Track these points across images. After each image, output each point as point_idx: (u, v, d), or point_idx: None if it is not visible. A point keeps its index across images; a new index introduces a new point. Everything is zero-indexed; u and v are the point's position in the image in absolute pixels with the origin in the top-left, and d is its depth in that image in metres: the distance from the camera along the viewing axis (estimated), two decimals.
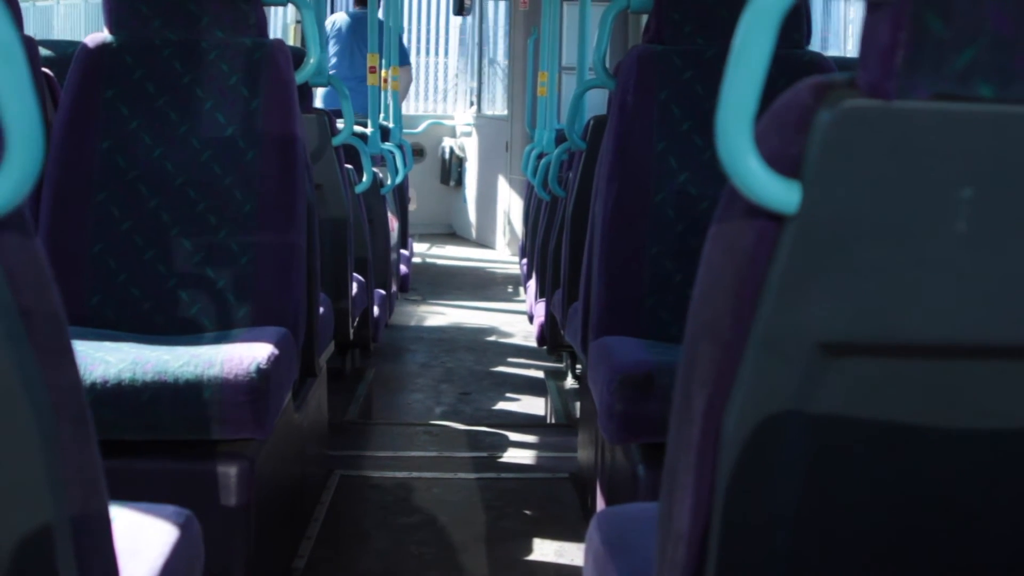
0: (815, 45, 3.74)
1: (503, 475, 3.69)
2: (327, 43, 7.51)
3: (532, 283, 5.64)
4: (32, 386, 0.94)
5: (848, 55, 7.48)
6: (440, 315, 6.98)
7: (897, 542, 1.08)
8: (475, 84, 11.02)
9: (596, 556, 1.52)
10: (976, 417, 1.03)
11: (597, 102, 5.21)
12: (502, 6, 10.57)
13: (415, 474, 3.65)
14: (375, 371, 5.31)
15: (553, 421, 4.57)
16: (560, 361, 5.46)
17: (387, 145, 5.70)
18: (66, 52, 3.43)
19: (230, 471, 2.33)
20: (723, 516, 1.03)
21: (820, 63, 2.86)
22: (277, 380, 2.37)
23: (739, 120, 0.95)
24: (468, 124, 10.89)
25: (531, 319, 5.56)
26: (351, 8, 8.45)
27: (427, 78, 12.49)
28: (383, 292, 5.23)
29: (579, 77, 4.94)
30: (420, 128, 10.55)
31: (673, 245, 2.81)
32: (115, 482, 1.37)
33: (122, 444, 2.30)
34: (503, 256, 9.80)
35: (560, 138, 5.42)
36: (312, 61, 3.17)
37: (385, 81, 6.56)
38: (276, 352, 2.39)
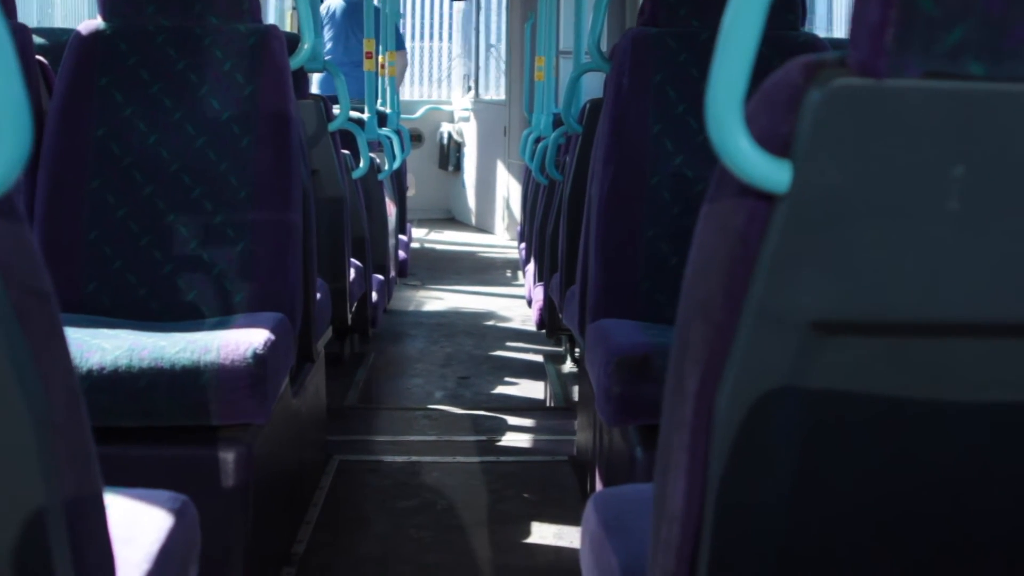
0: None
1: (502, 458, 3.69)
2: (322, 28, 7.48)
3: (531, 267, 5.64)
4: (23, 372, 0.94)
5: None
6: (439, 300, 6.98)
7: (892, 520, 1.08)
8: (473, 67, 11.01)
9: (592, 537, 1.53)
10: (969, 395, 1.03)
11: (595, 85, 5.20)
12: None
13: (414, 458, 3.65)
14: (374, 356, 5.31)
15: (552, 404, 4.58)
16: (559, 345, 5.47)
17: (384, 130, 5.69)
18: (60, 40, 3.42)
19: (228, 457, 2.33)
20: (717, 496, 1.04)
21: (815, 44, 2.85)
22: (274, 365, 2.37)
23: (729, 100, 0.94)
24: (466, 109, 10.88)
25: (530, 303, 5.56)
26: None
27: (425, 63, 12.47)
28: (381, 277, 5.23)
29: (575, 61, 4.92)
30: (418, 113, 10.53)
31: (669, 227, 2.81)
32: (112, 469, 1.38)
33: (119, 431, 2.30)
34: (502, 241, 9.80)
35: (557, 122, 5.41)
36: (307, 46, 3.17)
37: (382, 67, 6.54)
38: (273, 337, 2.39)
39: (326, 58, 3.91)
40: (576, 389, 4.20)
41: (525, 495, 3.34)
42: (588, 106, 3.67)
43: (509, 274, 8.11)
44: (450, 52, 12.31)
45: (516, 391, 4.78)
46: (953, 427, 1.04)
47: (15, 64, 0.88)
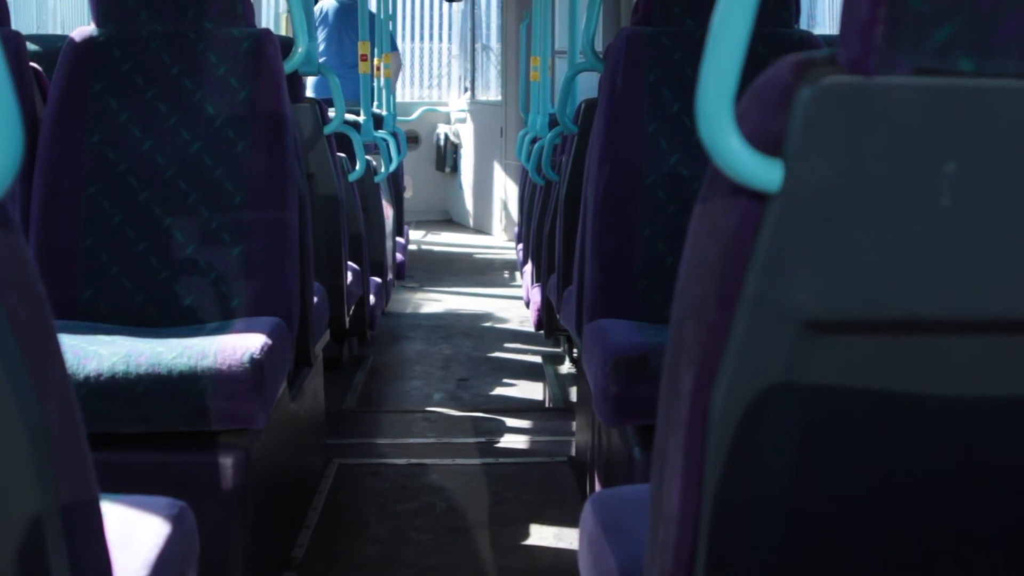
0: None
1: (502, 460, 3.69)
2: (316, 31, 7.47)
3: (528, 268, 5.64)
4: (17, 379, 0.94)
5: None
6: (437, 302, 6.98)
7: (888, 518, 1.08)
8: (469, 68, 11.01)
9: (591, 538, 1.53)
10: (964, 391, 1.03)
11: (591, 85, 5.20)
12: None
13: (413, 461, 3.65)
14: (372, 359, 5.31)
15: (551, 405, 4.58)
16: (557, 345, 5.47)
17: (380, 133, 5.69)
18: (54, 46, 3.42)
19: (226, 462, 2.33)
20: (713, 495, 1.04)
21: (809, 41, 2.85)
22: (271, 370, 2.36)
23: (719, 99, 0.94)
24: (462, 110, 10.87)
25: (527, 304, 5.56)
26: None
27: (421, 64, 12.46)
28: (379, 280, 5.22)
29: (570, 61, 4.92)
30: (414, 115, 10.53)
31: (665, 227, 2.81)
32: (110, 475, 1.38)
33: (117, 437, 2.30)
34: (500, 242, 9.79)
35: (553, 122, 5.41)
36: (301, 50, 3.16)
37: (377, 69, 6.54)
38: (270, 342, 2.39)
39: (320, 61, 3.91)
40: (574, 390, 4.20)
41: (524, 497, 3.34)
42: (583, 106, 3.67)
43: (507, 275, 8.11)
44: (447, 53, 12.31)
45: (515, 392, 4.78)
46: (948, 423, 1.04)
47: (6, 71, 0.88)
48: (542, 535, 3.06)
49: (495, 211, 10.14)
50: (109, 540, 1.18)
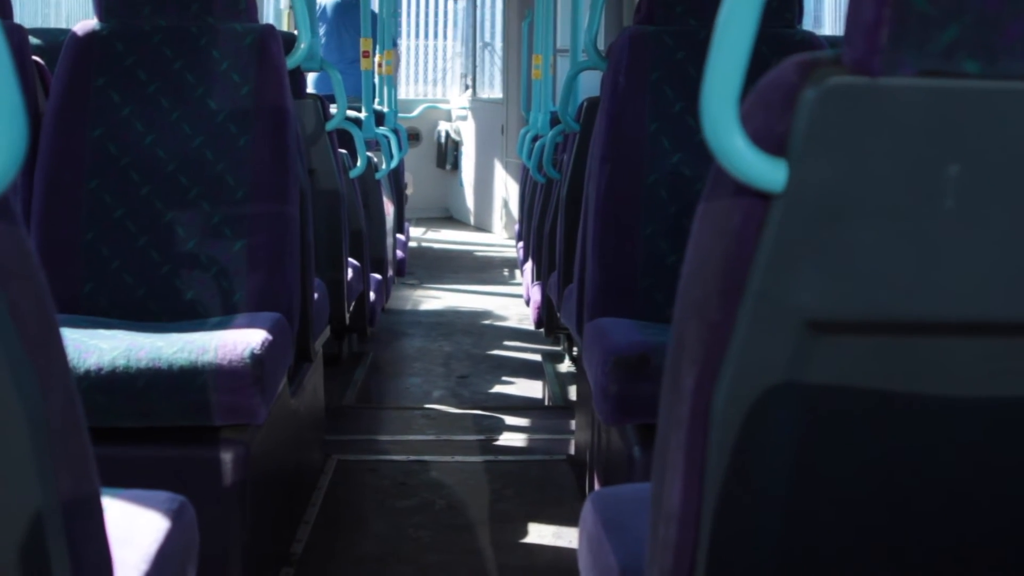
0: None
1: (501, 458, 3.69)
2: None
3: (528, 266, 5.64)
4: (19, 373, 0.94)
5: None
6: (437, 299, 6.98)
7: (888, 517, 1.08)
8: (470, 66, 11.00)
9: (591, 537, 1.53)
10: (965, 392, 1.03)
11: (593, 84, 5.20)
12: None
13: (413, 458, 3.65)
14: (372, 356, 5.31)
15: (550, 403, 4.58)
16: (557, 343, 5.47)
17: (382, 129, 5.68)
18: (57, 40, 3.41)
19: (226, 457, 2.33)
20: (714, 494, 1.04)
21: (812, 42, 2.85)
22: (272, 366, 2.37)
23: (724, 98, 0.94)
24: (464, 108, 10.87)
25: (528, 302, 5.56)
26: None
27: (423, 62, 12.46)
28: (379, 277, 5.22)
29: (572, 59, 4.92)
30: (416, 112, 10.53)
31: (666, 226, 2.81)
32: (110, 469, 1.38)
33: (117, 431, 2.30)
34: (500, 239, 9.79)
35: (555, 121, 5.40)
36: (303, 46, 3.16)
37: (379, 65, 6.54)
38: (270, 337, 2.39)
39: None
40: (574, 388, 4.20)
41: (523, 494, 3.34)
42: (585, 104, 3.67)
43: (507, 273, 8.11)
44: (452, 50, 12.30)
45: (514, 390, 4.78)
46: (949, 424, 1.04)
47: (10, 65, 0.88)
48: (541, 533, 3.06)
49: (496, 209, 10.14)
50: (109, 534, 1.18)
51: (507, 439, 3.91)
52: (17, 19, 2.94)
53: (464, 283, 7.58)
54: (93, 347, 2.28)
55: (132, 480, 1.60)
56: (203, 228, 2.80)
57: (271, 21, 6.62)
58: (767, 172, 0.94)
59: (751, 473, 1.03)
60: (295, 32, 3.30)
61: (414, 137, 10.46)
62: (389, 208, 5.73)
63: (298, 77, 3.86)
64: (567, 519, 3.10)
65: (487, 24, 11.06)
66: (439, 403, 4.47)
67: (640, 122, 2.83)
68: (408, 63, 12.22)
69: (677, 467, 1.07)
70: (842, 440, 1.04)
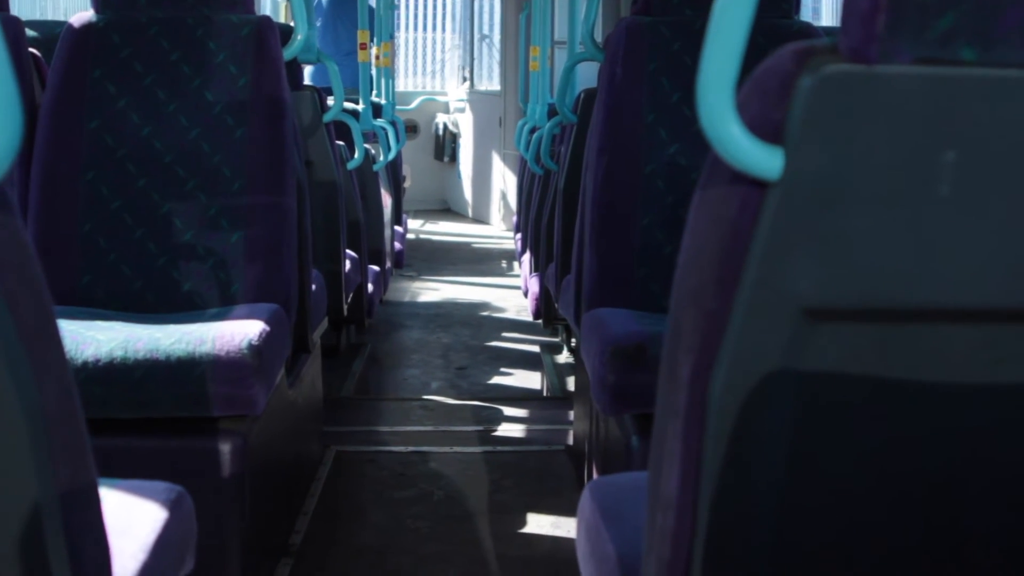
0: None
1: (499, 448, 3.70)
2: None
3: (526, 257, 5.64)
4: (15, 364, 0.94)
5: None
6: (435, 291, 6.98)
7: (885, 505, 1.08)
8: (468, 58, 10.99)
9: (588, 526, 1.53)
10: (962, 379, 1.03)
11: (590, 75, 5.19)
12: None
13: (411, 449, 3.65)
14: (371, 347, 5.31)
15: (548, 394, 4.58)
16: (555, 334, 5.47)
17: (379, 121, 5.68)
18: (53, 32, 3.41)
19: (224, 448, 2.33)
20: (711, 482, 1.04)
21: (809, 32, 2.85)
22: (269, 357, 2.37)
23: (720, 87, 0.94)
24: (461, 100, 10.86)
25: (526, 293, 5.56)
26: None
27: (421, 54, 12.44)
28: (377, 268, 5.22)
29: (569, 50, 4.92)
30: (414, 104, 10.51)
31: (664, 216, 2.81)
32: (108, 460, 1.38)
33: (115, 422, 2.30)
34: (498, 231, 9.79)
35: (552, 112, 5.40)
36: (300, 37, 3.16)
37: (377, 57, 6.53)
38: (268, 329, 2.39)
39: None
40: (572, 378, 4.20)
41: (522, 484, 3.35)
42: (583, 96, 3.67)
43: (505, 264, 8.11)
44: (450, 42, 12.28)
45: (513, 381, 4.78)
46: (946, 411, 1.04)
47: (6, 57, 0.88)
48: (539, 523, 3.06)
49: (494, 200, 10.13)
50: (107, 525, 1.18)
51: (505, 430, 3.92)
52: (14, 12, 2.93)
53: (462, 275, 7.58)
54: (90, 338, 2.28)
55: (130, 471, 1.60)
56: (200, 220, 2.80)
57: (268, 12, 6.61)
58: (763, 160, 0.94)
59: (748, 461, 1.03)
60: (292, 24, 3.30)
61: (412, 129, 10.45)
62: (387, 200, 5.72)
63: (295, 69, 3.86)
64: (565, 509, 3.11)
65: (485, 16, 11.05)
66: (437, 394, 4.47)
67: (637, 113, 2.83)
68: (406, 55, 12.21)
69: (674, 456, 1.07)
70: (839, 428, 1.04)
